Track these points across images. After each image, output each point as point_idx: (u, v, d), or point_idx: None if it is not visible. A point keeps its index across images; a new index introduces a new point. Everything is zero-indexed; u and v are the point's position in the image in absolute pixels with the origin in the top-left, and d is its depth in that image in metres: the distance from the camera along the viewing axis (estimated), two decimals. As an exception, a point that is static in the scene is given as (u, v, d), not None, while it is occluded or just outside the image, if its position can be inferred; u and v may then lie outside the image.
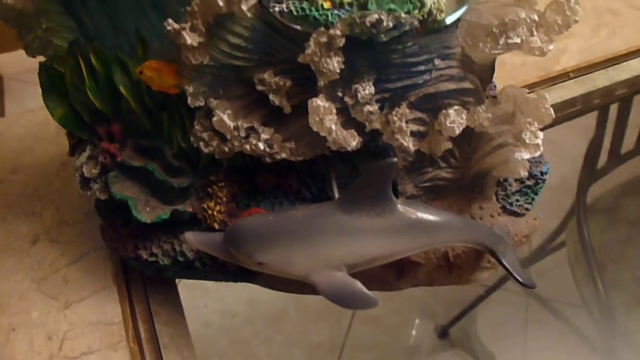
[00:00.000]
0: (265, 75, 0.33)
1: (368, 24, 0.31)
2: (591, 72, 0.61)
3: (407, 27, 0.31)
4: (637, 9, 0.70)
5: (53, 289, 0.44)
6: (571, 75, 0.61)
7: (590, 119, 0.79)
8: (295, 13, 0.33)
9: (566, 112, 0.59)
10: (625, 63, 0.62)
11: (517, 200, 0.41)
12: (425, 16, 0.33)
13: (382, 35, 0.31)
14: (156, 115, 0.36)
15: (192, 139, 0.36)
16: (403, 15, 0.31)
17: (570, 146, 0.94)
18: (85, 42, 0.35)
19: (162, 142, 0.37)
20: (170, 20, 0.31)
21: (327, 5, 0.33)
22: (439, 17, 0.34)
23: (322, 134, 0.32)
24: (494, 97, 0.40)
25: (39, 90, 0.38)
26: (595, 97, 0.59)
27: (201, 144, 0.35)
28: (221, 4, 0.28)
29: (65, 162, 0.55)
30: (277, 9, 0.34)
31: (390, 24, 0.30)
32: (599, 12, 0.69)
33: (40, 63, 0.36)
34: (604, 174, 0.98)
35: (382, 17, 0.30)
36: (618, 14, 0.69)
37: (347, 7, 0.33)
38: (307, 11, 0.33)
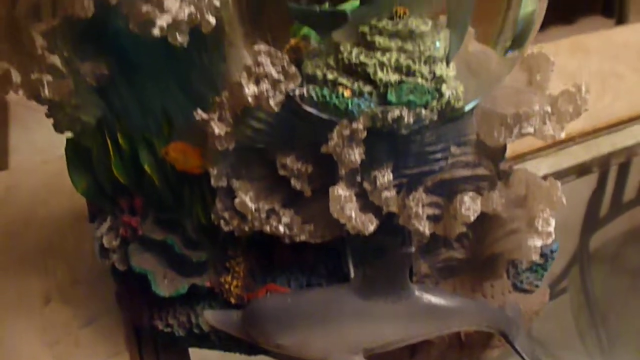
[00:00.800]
0: (288, 161, 0.34)
1: (390, 120, 0.32)
2: (596, 137, 0.63)
3: (427, 122, 0.32)
4: (641, 73, 0.72)
5: (65, 353, 0.44)
6: (576, 140, 0.62)
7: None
8: (315, 99, 0.35)
9: (570, 177, 0.61)
10: (629, 129, 0.64)
11: (527, 278, 0.42)
12: (444, 106, 0.35)
13: (403, 130, 0.32)
14: (178, 191, 0.38)
15: (212, 216, 0.37)
16: (423, 112, 0.32)
17: (573, 189, 0.96)
18: (112, 120, 0.36)
19: (183, 216, 0.38)
20: (199, 110, 0.32)
21: (347, 93, 0.35)
22: (457, 106, 0.36)
23: (342, 221, 0.33)
24: (505, 172, 0.41)
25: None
26: (599, 163, 0.61)
27: (222, 222, 0.36)
28: (250, 99, 0.30)
29: (79, 217, 0.55)
30: (297, 92, 0.35)
31: (411, 120, 0.32)
32: (604, 75, 0.72)
33: (67, 139, 0.37)
34: (607, 222, 0.99)
35: (404, 113, 0.32)
36: (622, 77, 0.71)
37: (366, 95, 0.35)
38: (328, 98, 0.34)
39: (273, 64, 0.30)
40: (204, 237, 0.39)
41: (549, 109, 0.36)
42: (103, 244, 0.39)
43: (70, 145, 0.37)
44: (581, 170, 0.61)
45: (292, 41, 0.40)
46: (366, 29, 0.36)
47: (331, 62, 0.36)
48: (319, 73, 0.36)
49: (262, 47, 0.30)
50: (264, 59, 0.30)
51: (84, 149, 0.38)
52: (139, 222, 0.38)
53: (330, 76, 0.36)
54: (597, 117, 0.65)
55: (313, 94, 0.35)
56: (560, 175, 0.59)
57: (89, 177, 0.38)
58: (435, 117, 0.33)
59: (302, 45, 0.39)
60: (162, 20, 0.26)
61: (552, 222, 0.36)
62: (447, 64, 0.36)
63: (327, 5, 0.40)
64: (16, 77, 0.28)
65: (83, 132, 0.37)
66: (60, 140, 0.42)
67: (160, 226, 0.39)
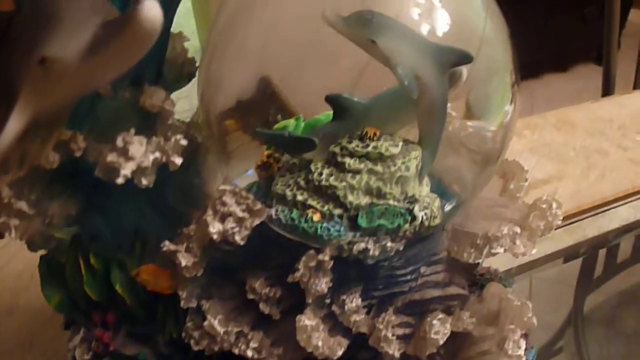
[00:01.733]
0: (257, 285, 0.34)
1: (355, 252, 0.32)
2: (581, 220, 0.63)
3: (392, 253, 0.33)
4: (625, 150, 0.72)
5: None
6: (561, 222, 0.62)
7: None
8: (284, 221, 0.35)
9: (555, 262, 0.61)
10: (614, 210, 0.64)
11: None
12: (417, 228, 0.35)
13: (369, 260, 0.33)
14: (150, 308, 0.38)
15: (183, 333, 0.37)
16: (389, 244, 0.32)
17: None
18: (85, 240, 0.36)
19: (155, 331, 0.38)
20: (167, 242, 0.32)
21: (316, 217, 0.35)
22: (432, 224, 0.36)
23: (309, 349, 0.33)
24: (479, 282, 0.41)
25: None
26: (585, 248, 0.61)
27: (192, 341, 0.36)
28: (215, 237, 0.30)
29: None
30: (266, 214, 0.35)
31: (377, 253, 0.32)
32: (588, 152, 0.72)
33: (40, 256, 0.38)
34: (602, 283, 0.99)
35: (369, 246, 0.32)
36: (607, 155, 0.72)
37: (336, 218, 0.35)
38: (297, 222, 0.35)
39: (238, 203, 0.30)
40: (176, 352, 0.38)
41: (518, 229, 0.36)
42: (75, 356, 0.39)
43: (44, 261, 0.38)
44: (566, 255, 0.61)
45: (265, 154, 0.41)
46: (337, 149, 0.36)
47: (301, 181, 0.37)
48: (288, 193, 0.36)
49: (227, 186, 0.31)
50: (228, 199, 0.30)
51: (57, 264, 0.38)
52: (110, 337, 0.38)
53: (300, 197, 0.36)
54: (582, 197, 0.66)
55: (282, 217, 0.35)
56: (543, 261, 0.59)
57: (62, 292, 0.38)
58: (401, 248, 0.33)
59: (273, 162, 0.40)
60: (127, 169, 0.27)
61: (523, 344, 0.36)
62: (420, 181, 0.37)
63: (296, 119, 0.42)
64: (-17, 220, 0.28)
65: (57, 249, 0.37)
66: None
67: (132, 340, 0.39)
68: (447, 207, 0.36)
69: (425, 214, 0.35)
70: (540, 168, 0.69)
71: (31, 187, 0.28)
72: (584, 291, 0.97)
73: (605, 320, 1.01)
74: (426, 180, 0.37)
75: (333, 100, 0.38)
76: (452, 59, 0.34)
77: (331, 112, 0.39)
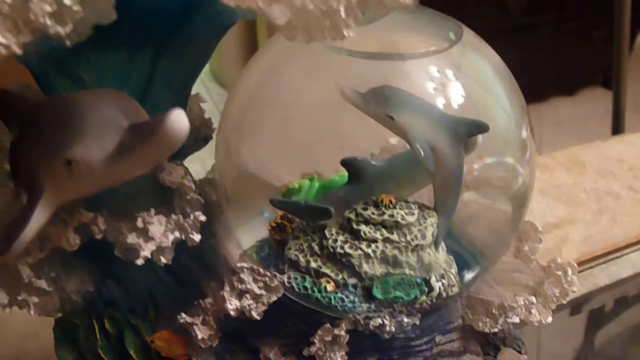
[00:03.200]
0: (271, 355, 0.35)
1: (372, 327, 0.33)
2: (592, 267, 0.63)
3: (409, 328, 0.33)
4: (636, 192, 0.72)
5: None
6: (572, 269, 0.62)
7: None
8: (297, 290, 0.35)
9: (564, 312, 0.60)
10: (625, 257, 0.64)
11: None
12: (434, 299, 0.35)
13: (385, 335, 0.33)
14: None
15: (197, 399, 0.37)
16: (405, 320, 0.33)
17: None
18: (100, 303, 0.37)
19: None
20: (183, 314, 0.33)
21: (330, 287, 0.35)
22: (450, 294, 0.36)
23: (325, 423, 0.33)
24: (495, 344, 0.42)
25: None
26: (597, 297, 0.61)
27: (206, 407, 0.36)
28: (232, 312, 0.31)
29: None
30: (279, 279, 0.36)
31: (393, 328, 0.32)
32: (600, 194, 0.72)
33: (55, 319, 0.38)
34: (613, 317, 0.98)
35: (386, 322, 0.32)
36: (618, 197, 0.72)
37: (350, 288, 0.35)
38: (310, 291, 0.35)
39: (255, 281, 0.31)
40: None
41: (533, 299, 0.36)
42: (87, 418, 0.39)
43: (59, 325, 0.38)
44: (576, 305, 0.60)
45: (278, 214, 0.41)
46: (352, 215, 0.37)
47: (315, 246, 0.37)
48: (302, 259, 0.37)
49: (244, 263, 0.31)
50: (246, 277, 0.30)
51: (73, 326, 0.38)
52: (123, 400, 0.38)
53: (313, 264, 0.36)
54: (593, 243, 0.65)
55: (295, 285, 0.35)
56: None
57: (76, 354, 0.39)
58: (418, 321, 0.33)
59: (287, 224, 0.41)
60: (147, 251, 0.27)
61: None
62: (436, 247, 0.37)
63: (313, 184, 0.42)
64: (3, 298, 0.28)
65: (72, 311, 0.38)
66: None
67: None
68: (468, 276, 0.37)
69: (443, 284, 0.36)
70: (551, 211, 0.69)
71: (50, 265, 0.28)
72: (594, 325, 0.97)
73: (617, 355, 1.00)
74: (442, 246, 0.38)
75: (348, 164, 0.38)
76: (469, 130, 0.35)
77: (345, 172, 0.40)
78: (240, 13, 0.25)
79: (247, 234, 0.41)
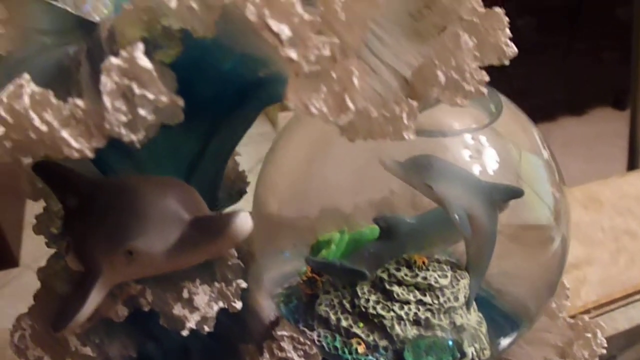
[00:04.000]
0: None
1: (406, 396, 0.33)
2: (612, 310, 0.63)
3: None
4: (655, 231, 0.73)
5: None
6: (592, 312, 0.63)
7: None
8: (327, 349, 0.36)
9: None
10: (645, 300, 0.64)
11: None
12: (467, 366, 0.36)
13: (418, 403, 0.33)
14: None
15: None
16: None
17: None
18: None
19: None
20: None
21: (361, 349, 0.36)
22: (482, 358, 0.36)
23: None
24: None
25: None
26: (617, 344, 0.61)
27: None
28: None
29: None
30: (308, 335, 0.36)
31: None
32: (617, 232, 0.73)
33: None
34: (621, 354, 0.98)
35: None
36: (636, 236, 0.72)
37: (382, 351, 0.36)
38: (340, 351, 0.35)
39: (295, 349, 0.31)
40: None
41: (565, 364, 0.37)
42: None
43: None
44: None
45: (308, 268, 0.42)
46: (385, 275, 0.37)
47: (347, 304, 0.37)
48: (332, 317, 0.37)
49: (285, 332, 0.32)
50: (286, 345, 0.31)
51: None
52: None
53: (344, 322, 0.37)
54: (612, 284, 0.66)
55: (324, 344, 0.36)
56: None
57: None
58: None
59: (318, 278, 0.41)
60: (192, 322, 0.28)
61: None
62: (467, 308, 0.38)
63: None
64: (48, 364, 0.29)
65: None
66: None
67: None
68: (505, 342, 0.37)
69: (475, 348, 0.36)
70: (569, 251, 0.69)
71: (95, 332, 0.29)
72: None
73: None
74: (473, 307, 0.38)
75: (380, 221, 0.39)
76: (504, 196, 0.35)
77: (374, 225, 0.40)
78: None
79: (276, 283, 0.41)
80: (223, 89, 0.24)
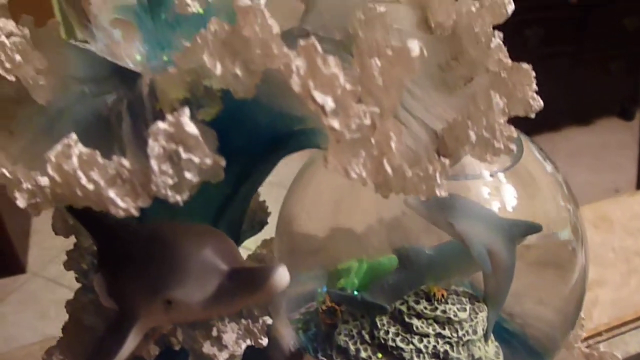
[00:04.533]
0: None
1: None
2: (623, 333, 0.64)
3: None
4: (665, 252, 0.73)
5: None
6: (603, 334, 0.63)
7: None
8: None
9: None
10: (656, 322, 0.65)
11: None
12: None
13: None
14: None
15: None
16: None
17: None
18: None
19: None
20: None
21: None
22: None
23: None
24: None
25: None
26: (629, 367, 0.61)
27: None
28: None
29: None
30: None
31: None
32: (628, 253, 0.73)
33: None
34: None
35: None
36: (647, 258, 0.72)
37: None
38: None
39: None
40: None
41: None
42: None
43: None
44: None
45: (327, 297, 0.42)
46: (404, 307, 0.38)
47: (366, 335, 0.38)
48: (352, 347, 0.38)
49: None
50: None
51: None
52: None
53: (363, 354, 0.37)
54: (623, 306, 0.66)
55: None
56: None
57: None
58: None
59: (337, 307, 0.42)
60: (221, 359, 0.29)
61: None
62: (485, 340, 0.38)
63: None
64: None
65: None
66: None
67: None
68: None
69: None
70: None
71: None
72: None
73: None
74: (491, 339, 0.39)
75: (399, 252, 0.39)
76: (523, 232, 0.36)
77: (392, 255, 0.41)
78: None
79: (292, 306, 0.42)
80: (257, 139, 0.25)
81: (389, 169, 0.19)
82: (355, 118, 0.18)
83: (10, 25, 0.25)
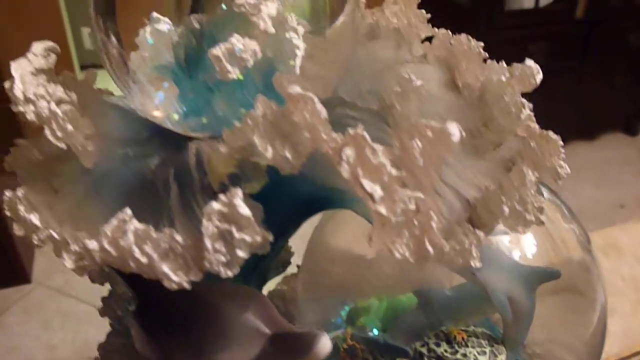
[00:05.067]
0: None
1: None
2: (633, 363, 0.64)
3: None
4: (674, 281, 0.74)
5: None
6: (613, 364, 0.64)
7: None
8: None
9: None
10: (666, 353, 0.66)
11: None
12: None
13: None
14: None
15: None
16: None
17: None
18: None
19: None
20: None
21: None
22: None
23: None
24: None
25: None
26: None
27: None
28: None
29: None
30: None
31: None
32: (638, 282, 0.74)
33: None
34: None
35: None
36: (656, 286, 0.73)
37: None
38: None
39: None
40: None
41: None
42: None
43: None
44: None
45: (348, 335, 0.43)
46: (424, 349, 0.39)
47: (389, 374, 0.39)
48: (376, 386, 0.39)
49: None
50: None
51: None
52: None
53: (388, 392, 0.39)
54: (633, 336, 0.67)
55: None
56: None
57: None
58: None
59: (358, 346, 0.43)
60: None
61: None
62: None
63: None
64: None
65: None
66: None
67: None
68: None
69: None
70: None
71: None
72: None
73: None
74: (511, 381, 0.40)
75: (419, 293, 0.40)
76: (542, 278, 0.37)
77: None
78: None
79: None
80: (296, 204, 0.26)
81: (430, 250, 0.20)
82: (401, 203, 0.20)
83: (59, 91, 0.26)
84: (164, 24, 0.31)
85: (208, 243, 0.20)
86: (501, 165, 0.26)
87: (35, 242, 0.26)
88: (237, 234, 0.20)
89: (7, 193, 0.27)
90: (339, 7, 0.28)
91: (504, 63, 0.30)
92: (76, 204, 0.27)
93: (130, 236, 0.21)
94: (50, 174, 0.29)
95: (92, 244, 0.23)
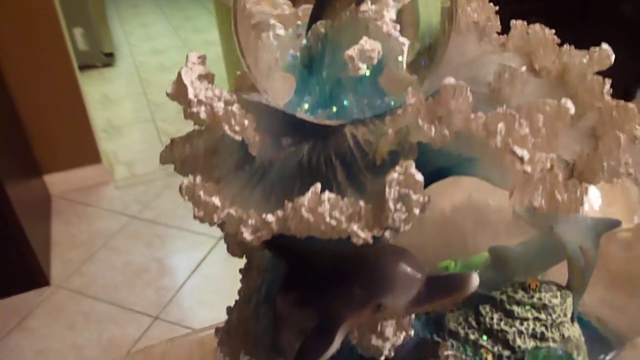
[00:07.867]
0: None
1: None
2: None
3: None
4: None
5: None
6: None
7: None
8: (459, 356, 0.44)
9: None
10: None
11: None
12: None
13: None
14: None
15: None
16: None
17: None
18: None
19: None
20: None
21: (489, 358, 0.44)
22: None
23: None
24: None
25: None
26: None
27: None
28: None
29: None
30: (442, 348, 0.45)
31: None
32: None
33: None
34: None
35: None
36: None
37: (505, 359, 0.44)
38: (472, 358, 0.44)
39: (456, 365, 0.40)
40: None
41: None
42: None
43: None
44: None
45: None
46: (504, 297, 0.46)
47: (472, 321, 0.46)
48: (461, 331, 0.46)
49: (449, 352, 0.40)
50: (450, 362, 0.39)
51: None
52: None
53: (472, 336, 0.45)
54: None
55: (458, 353, 0.44)
56: None
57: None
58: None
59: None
60: (386, 349, 0.36)
61: None
62: (572, 322, 0.46)
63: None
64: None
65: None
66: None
67: None
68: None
69: (581, 357, 0.45)
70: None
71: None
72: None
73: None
74: (576, 323, 0.47)
75: (494, 251, 0.47)
76: (606, 227, 0.44)
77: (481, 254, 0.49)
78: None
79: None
80: (430, 172, 0.32)
81: (559, 197, 0.27)
82: (540, 163, 0.26)
83: (225, 93, 0.32)
84: (280, 29, 0.37)
85: (391, 204, 0.27)
86: (587, 132, 0.33)
87: (215, 221, 0.32)
88: (414, 197, 0.27)
89: (185, 181, 0.33)
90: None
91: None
92: (240, 189, 0.33)
93: (326, 204, 0.27)
94: (208, 166, 0.35)
95: (270, 217, 0.30)
